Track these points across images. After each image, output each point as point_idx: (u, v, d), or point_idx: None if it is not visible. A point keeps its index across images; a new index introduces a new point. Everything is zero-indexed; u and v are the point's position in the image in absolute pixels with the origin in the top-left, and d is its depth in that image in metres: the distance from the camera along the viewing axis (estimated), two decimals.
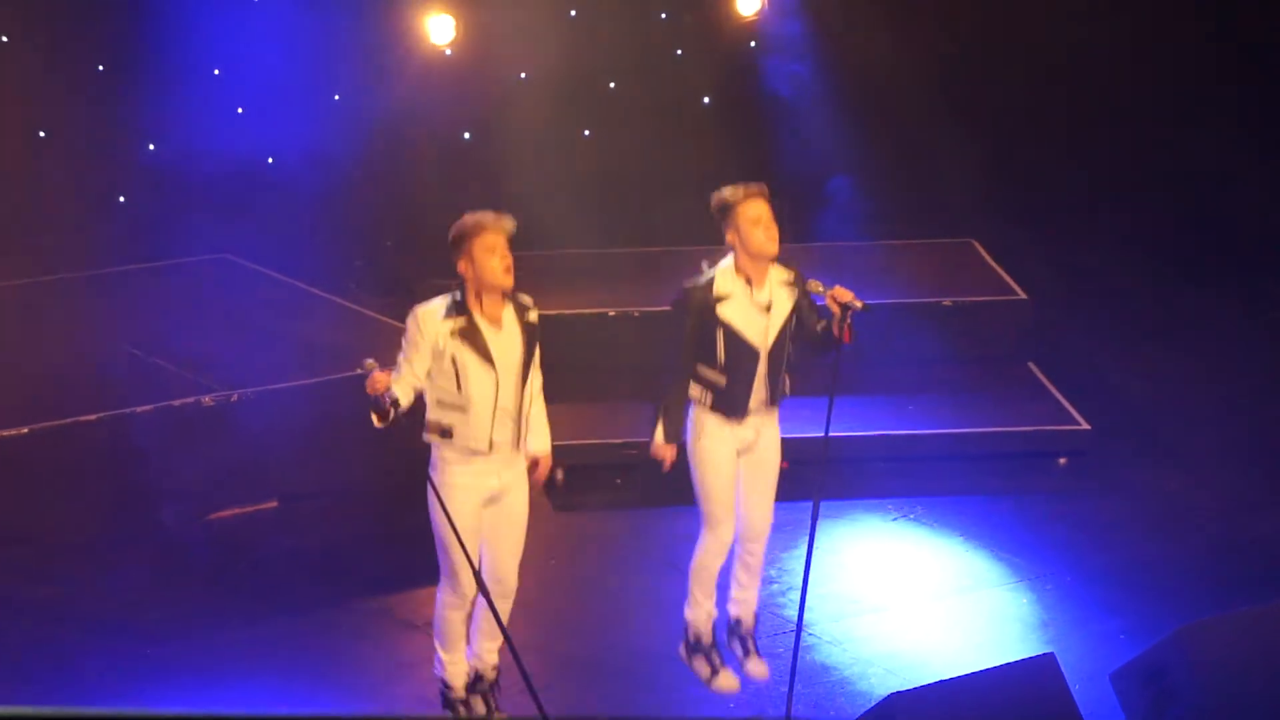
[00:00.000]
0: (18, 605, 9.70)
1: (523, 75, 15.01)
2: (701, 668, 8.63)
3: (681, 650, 8.70)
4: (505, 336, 7.89)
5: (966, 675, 7.59)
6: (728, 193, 8.35)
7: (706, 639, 8.63)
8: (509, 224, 7.90)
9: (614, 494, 11.07)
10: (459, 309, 7.84)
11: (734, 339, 8.28)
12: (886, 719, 7.24)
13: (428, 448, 8.01)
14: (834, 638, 9.04)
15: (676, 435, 8.45)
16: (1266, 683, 7.70)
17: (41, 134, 13.98)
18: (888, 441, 11.71)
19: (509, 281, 7.83)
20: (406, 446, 11.10)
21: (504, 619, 8.06)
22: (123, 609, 9.67)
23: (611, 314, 12.65)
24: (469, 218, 7.90)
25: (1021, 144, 15.68)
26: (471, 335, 7.81)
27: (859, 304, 8.18)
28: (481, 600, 7.98)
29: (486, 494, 7.96)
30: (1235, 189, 15.22)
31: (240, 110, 14.20)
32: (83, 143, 13.91)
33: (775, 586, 9.83)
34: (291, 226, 14.00)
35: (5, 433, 10.26)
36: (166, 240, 13.42)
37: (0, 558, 10.07)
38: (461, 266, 7.84)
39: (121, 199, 14.11)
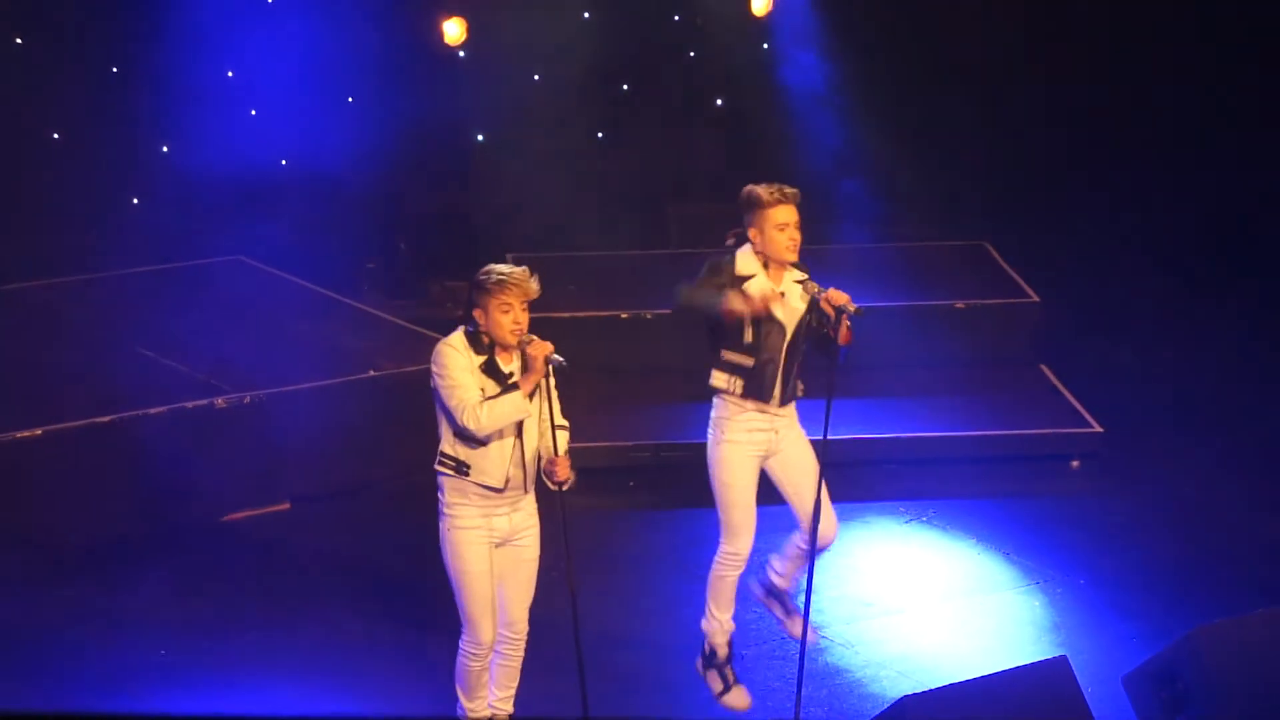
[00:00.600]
0: (32, 606, 9.71)
1: (536, 77, 15.02)
2: (715, 682, 8.63)
3: (698, 663, 8.70)
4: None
5: (979, 678, 7.58)
6: (762, 191, 8.33)
7: (722, 653, 8.62)
8: (532, 287, 7.73)
9: (626, 497, 11.07)
10: (479, 346, 7.78)
11: (759, 316, 8.25)
12: None
13: (436, 447, 7.94)
14: (846, 640, 9.04)
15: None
16: (1278, 686, 7.69)
17: (55, 135, 14.00)
18: (900, 444, 11.71)
19: (513, 341, 7.72)
20: (418, 447, 11.17)
21: (510, 666, 8.07)
22: (137, 610, 9.69)
23: (624, 316, 12.66)
24: (496, 272, 7.74)
25: (1034, 146, 15.66)
26: (494, 371, 7.76)
27: (853, 308, 8.17)
28: (496, 649, 8.00)
29: (498, 536, 7.92)
30: (1253, 194, 15.20)
31: (254, 112, 14.22)
32: (96, 144, 13.93)
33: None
34: (304, 228, 14.02)
35: (19, 434, 10.27)
36: (180, 242, 13.44)
37: (14, 559, 10.08)
38: (477, 313, 7.77)
39: (135, 201, 14.13)
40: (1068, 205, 15.68)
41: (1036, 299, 13.15)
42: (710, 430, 8.46)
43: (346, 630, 9.53)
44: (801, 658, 8.49)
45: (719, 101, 15.86)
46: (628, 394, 12.12)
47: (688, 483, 11.24)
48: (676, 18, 15.64)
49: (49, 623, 9.54)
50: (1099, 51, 15.52)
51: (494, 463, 7.79)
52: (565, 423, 7.93)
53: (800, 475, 8.43)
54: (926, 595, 9.99)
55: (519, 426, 7.77)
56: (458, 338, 7.78)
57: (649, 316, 12.64)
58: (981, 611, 9.81)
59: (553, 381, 7.80)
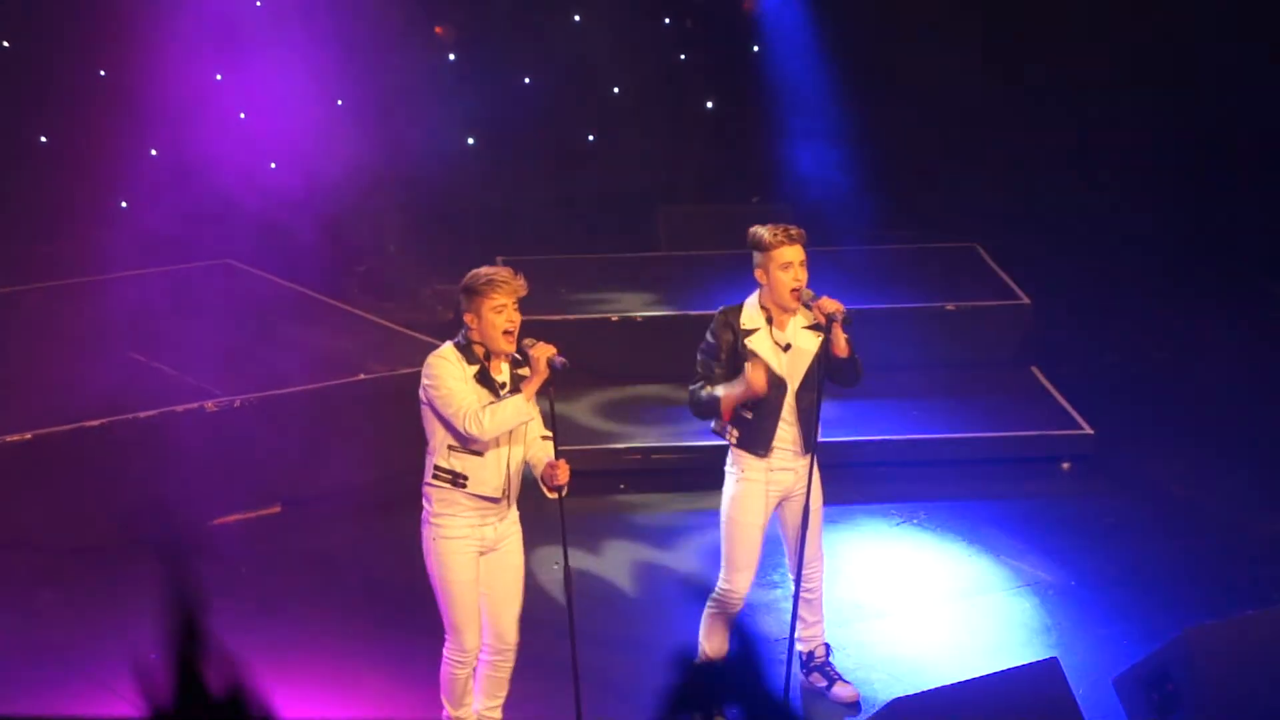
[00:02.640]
0: (22, 610, 9.69)
1: (526, 80, 15.02)
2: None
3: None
4: (511, 385, 7.82)
5: (970, 680, 7.58)
6: (766, 234, 8.31)
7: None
8: (520, 286, 7.71)
9: (617, 500, 11.05)
10: (471, 357, 7.76)
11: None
12: None
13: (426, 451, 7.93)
14: (837, 643, 9.03)
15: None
16: (1270, 687, 7.69)
17: (43, 139, 13.99)
18: (891, 446, 11.71)
19: (509, 346, 7.73)
20: (408, 450, 11.16)
21: (499, 676, 8.06)
22: (126, 614, 9.67)
23: (614, 319, 12.65)
24: (483, 274, 7.72)
25: (1024, 148, 15.67)
26: (487, 381, 7.73)
27: (841, 314, 8.16)
28: (482, 657, 7.99)
29: (482, 545, 7.91)
30: (1243, 194, 15.21)
31: (242, 115, 14.21)
32: (84, 148, 13.92)
33: (778, 592, 9.82)
34: (293, 232, 14.02)
35: (9, 438, 10.25)
36: (168, 246, 13.42)
37: (4, 562, 10.06)
38: (468, 318, 7.76)
39: (123, 204, 14.12)
40: (1059, 207, 15.69)
41: (1027, 301, 13.16)
42: (728, 465, 8.49)
43: (336, 634, 9.51)
44: (789, 660, 8.51)
45: (709, 104, 15.86)
46: (618, 397, 12.12)
47: (678, 486, 11.27)
48: (667, 20, 15.65)
49: (37, 627, 9.51)
50: (1091, 52, 15.53)
51: (492, 472, 7.78)
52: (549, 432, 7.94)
53: (807, 523, 8.46)
54: (917, 597, 9.99)
55: (511, 435, 7.75)
56: (448, 350, 7.77)
57: (639, 319, 12.64)
58: (972, 613, 9.81)
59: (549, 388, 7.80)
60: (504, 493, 7.80)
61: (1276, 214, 15.00)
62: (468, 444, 7.73)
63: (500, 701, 8.13)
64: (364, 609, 9.78)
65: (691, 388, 8.41)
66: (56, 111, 13.82)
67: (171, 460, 10.51)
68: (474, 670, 8.06)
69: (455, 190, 14.79)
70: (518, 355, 7.82)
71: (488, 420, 7.64)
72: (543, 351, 7.65)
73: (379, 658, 9.27)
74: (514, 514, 7.97)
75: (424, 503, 7.91)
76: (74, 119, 13.84)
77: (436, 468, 7.84)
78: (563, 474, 7.75)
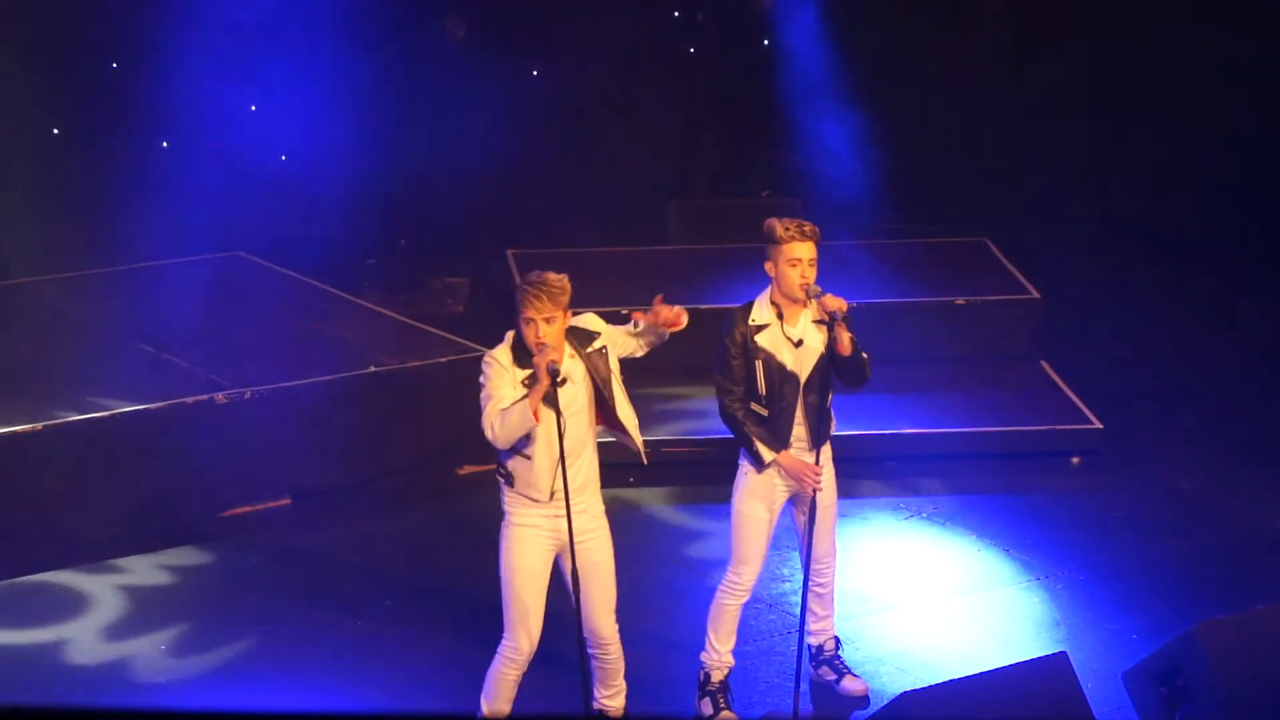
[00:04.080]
0: (30, 602, 9.70)
1: (535, 73, 15.02)
2: (705, 708, 8.63)
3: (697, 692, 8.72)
4: (568, 382, 7.77)
5: (978, 674, 7.58)
6: (778, 227, 8.31)
7: (717, 678, 8.64)
8: (553, 295, 7.63)
9: (626, 492, 11.05)
10: (522, 359, 7.71)
11: (772, 368, 8.29)
12: (898, 718, 7.24)
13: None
14: (845, 636, 9.02)
15: (772, 442, 8.39)
16: None
17: (55, 131, 14.00)
18: (900, 440, 11.70)
19: (537, 350, 7.70)
20: (418, 443, 11.17)
21: (608, 668, 8.04)
22: (134, 606, 9.68)
23: (625, 312, 12.60)
24: (531, 278, 7.68)
25: (1036, 141, 15.66)
26: (535, 381, 7.65)
27: (844, 312, 8.16)
28: (590, 650, 7.96)
29: (557, 540, 7.82)
30: (1253, 186, 15.19)
31: (254, 108, 14.22)
32: (96, 140, 13.93)
33: (788, 585, 9.83)
34: (304, 224, 14.03)
35: (19, 429, 10.27)
36: (180, 238, 13.44)
37: (13, 553, 10.08)
38: (521, 320, 7.75)
39: (135, 196, 14.13)
40: (1069, 201, 15.68)
41: (1037, 295, 13.15)
42: (741, 458, 8.50)
43: (345, 626, 9.52)
44: (799, 654, 8.52)
45: (720, 98, 15.85)
46: (629, 389, 12.10)
47: (688, 478, 11.27)
48: (676, 13, 15.64)
49: (44, 618, 9.53)
50: (1099, 45, 15.51)
51: (538, 475, 7.75)
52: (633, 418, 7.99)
53: (819, 517, 8.46)
54: (926, 591, 9.99)
55: (559, 439, 7.68)
56: (502, 350, 7.72)
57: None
58: (982, 607, 9.81)
59: (613, 379, 7.80)
60: (551, 494, 7.76)
61: None
62: (519, 445, 7.71)
63: (614, 692, 8.11)
64: (373, 601, 9.78)
65: (729, 417, 8.40)
66: (69, 103, 13.83)
67: (182, 452, 10.53)
68: (520, 678, 7.97)
69: (466, 184, 14.79)
70: (583, 330, 7.87)
71: (498, 426, 7.63)
72: (543, 358, 7.60)
73: (390, 649, 9.28)
74: (597, 509, 7.94)
75: (500, 493, 7.91)
76: (85, 110, 13.85)
77: (500, 463, 7.84)
78: (666, 313, 7.83)
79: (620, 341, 8.00)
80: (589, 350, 7.84)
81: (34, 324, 12.10)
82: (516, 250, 13.58)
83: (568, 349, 7.78)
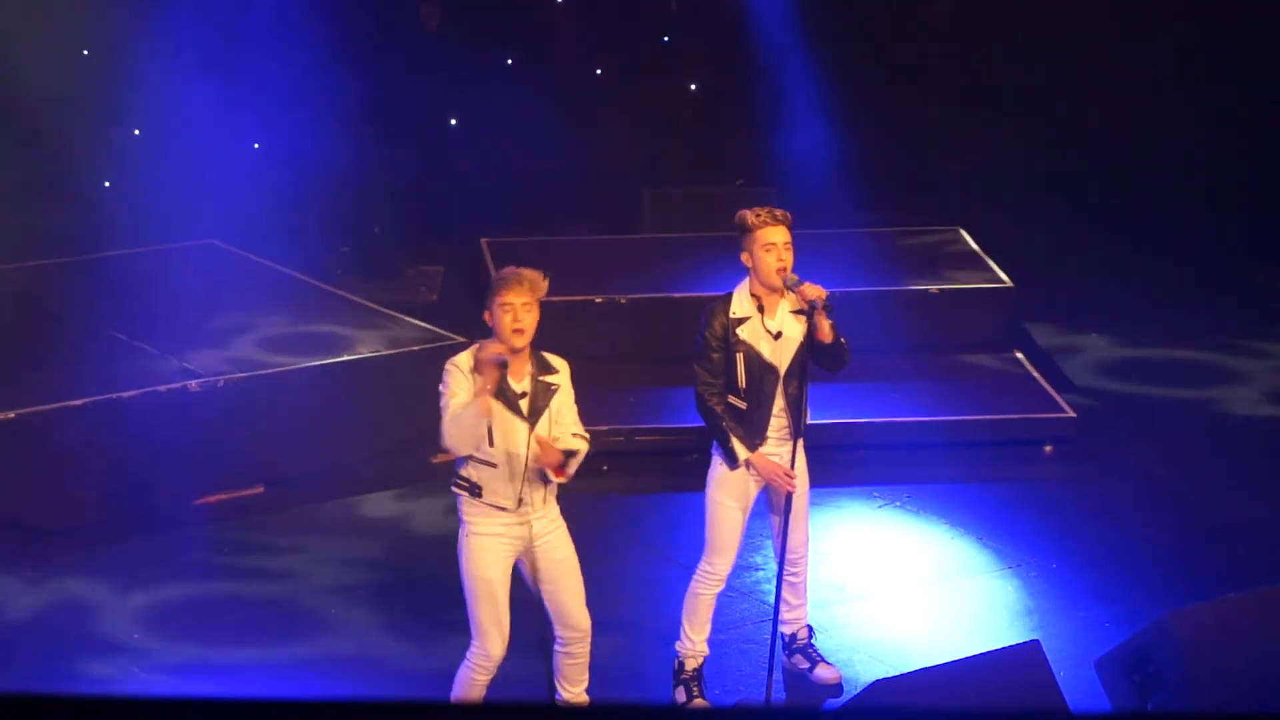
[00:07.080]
0: (4, 590, 9.68)
1: (509, 60, 14.99)
2: (679, 695, 8.64)
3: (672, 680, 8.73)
4: (531, 392, 7.75)
5: (951, 662, 7.60)
6: (750, 216, 8.30)
7: (691, 667, 8.64)
8: (533, 284, 7.60)
9: (599, 481, 11.05)
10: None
11: (752, 361, 8.29)
12: (871, 706, 7.25)
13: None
14: (818, 625, 9.04)
15: (749, 440, 8.38)
16: (1251, 669, 7.71)
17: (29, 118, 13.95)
18: (873, 428, 11.72)
19: (516, 342, 7.60)
20: (392, 431, 11.16)
21: (579, 662, 8.05)
22: (110, 594, 9.67)
23: (598, 300, 12.65)
24: (505, 272, 7.66)
25: (1007, 130, 15.68)
26: (502, 392, 7.64)
27: (823, 300, 8.16)
28: (557, 647, 7.99)
29: (516, 546, 7.83)
30: (1229, 174, 15.24)
31: (226, 95, 14.18)
32: (68, 128, 13.88)
33: (761, 574, 9.84)
34: (277, 212, 13.99)
35: None
36: (152, 225, 13.40)
37: None
38: (486, 315, 7.72)
39: (107, 184, 14.09)
40: (1043, 190, 15.70)
41: (1010, 284, 13.17)
42: (714, 450, 8.49)
43: (319, 614, 9.51)
44: (772, 641, 8.53)
45: (693, 85, 15.85)
46: (602, 378, 12.10)
47: (662, 467, 11.27)
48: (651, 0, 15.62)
49: (22, 607, 9.51)
50: (1068, 35, 15.54)
51: (505, 483, 7.73)
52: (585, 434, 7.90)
53: (793, 509, 8.46)
54: (899, 580, 10.01)
55: (526, 448, 7.67)
56: (464, 357, 7.67)
57: (623, 301, 12.63)
58: (954, 596, 9.83)
59: (545, 415, 7.74)
60: (519, 501, 7.76)
61: (1266, 201, 15.03)
62: (479, 453, 7.69)
63: (583, 688, 8.12)
64: (346, 589, 9.78)
65: (708, 412, 8.39)
66: (40, 92, 13.77)
67: (155, 440, 10.50)
68: (490, 679, 7.97)
69: (439, 171, 14.77)
70: (548, 362, 7.82)
71: (454, 428, 7.56)
72: (485, 352, 7.55)
73: (364, 635, 9.28)
74: (553, 512, 7.92)
75: (458, 503, 7.87)
76: (57, 98, 13.80)
77: (457, 474, 7.81)
78: (547, 454, 7.71)
79: (563, 413, 7.86)
80: (542, 378, 7.79)
81: (6, 312, 12.05)
82: (490, 238, 13.58)
83: (527, 366, 7.75)
